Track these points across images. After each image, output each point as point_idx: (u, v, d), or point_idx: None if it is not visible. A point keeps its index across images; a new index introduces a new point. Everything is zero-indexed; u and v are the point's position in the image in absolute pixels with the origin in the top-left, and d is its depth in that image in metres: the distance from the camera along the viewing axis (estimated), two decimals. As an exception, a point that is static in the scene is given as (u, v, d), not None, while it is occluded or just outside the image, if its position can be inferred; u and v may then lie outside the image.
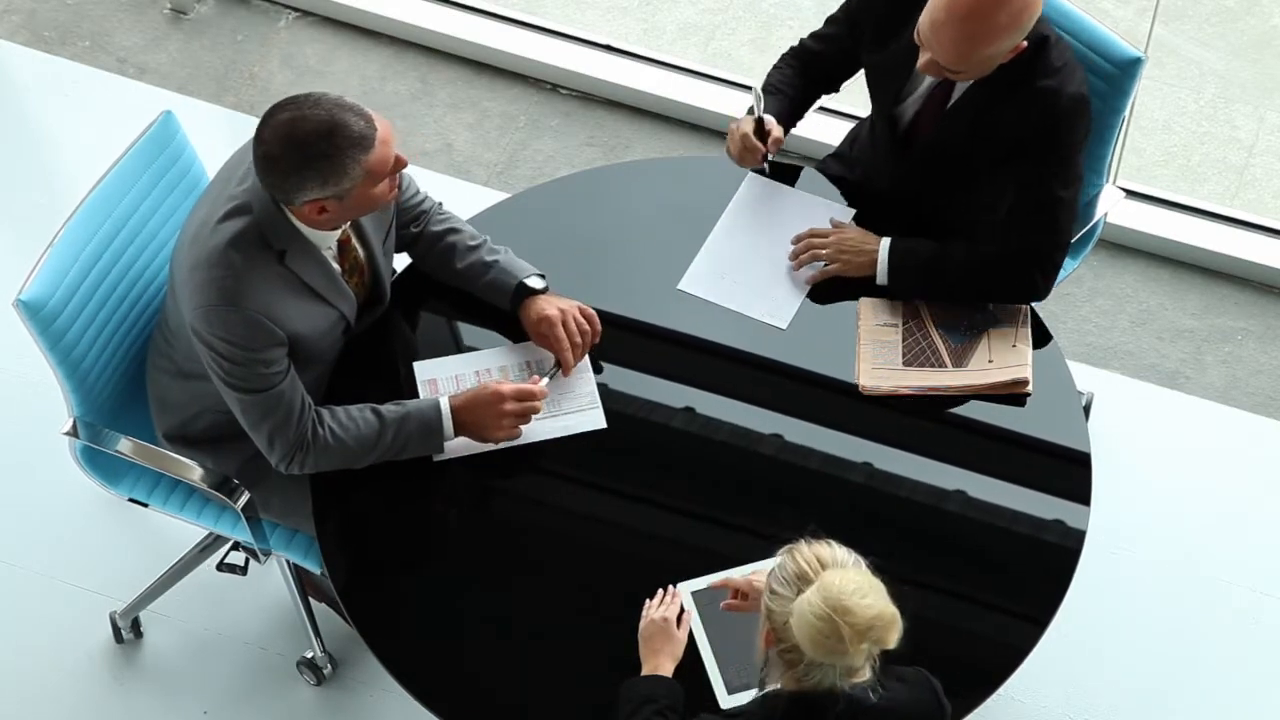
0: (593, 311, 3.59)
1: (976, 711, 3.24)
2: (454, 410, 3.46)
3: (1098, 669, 4.07)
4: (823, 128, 4.62)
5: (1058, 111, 3.51)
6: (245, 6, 5.14)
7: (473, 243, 3.67)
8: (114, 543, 4.25)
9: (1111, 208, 3.94)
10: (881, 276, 3.64)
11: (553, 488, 3.51)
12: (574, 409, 3.56)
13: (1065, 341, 4.48)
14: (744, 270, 3.70)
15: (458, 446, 3.50)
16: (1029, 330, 3.60)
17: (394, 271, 3.69)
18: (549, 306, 3.58)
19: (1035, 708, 4.03)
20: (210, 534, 3.97)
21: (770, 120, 3.71)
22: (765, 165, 3.75)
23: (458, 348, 3.66)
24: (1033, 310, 3.63)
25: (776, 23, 5.07)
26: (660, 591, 3.32)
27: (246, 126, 4.81)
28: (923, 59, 3.48)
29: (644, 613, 3.28)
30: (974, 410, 3.54)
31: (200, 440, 3.69)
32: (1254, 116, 4.88)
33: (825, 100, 3.91)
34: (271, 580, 4.15)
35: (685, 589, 3.32)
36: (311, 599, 4.04)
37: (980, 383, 3.53)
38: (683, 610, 3.29)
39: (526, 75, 4.99)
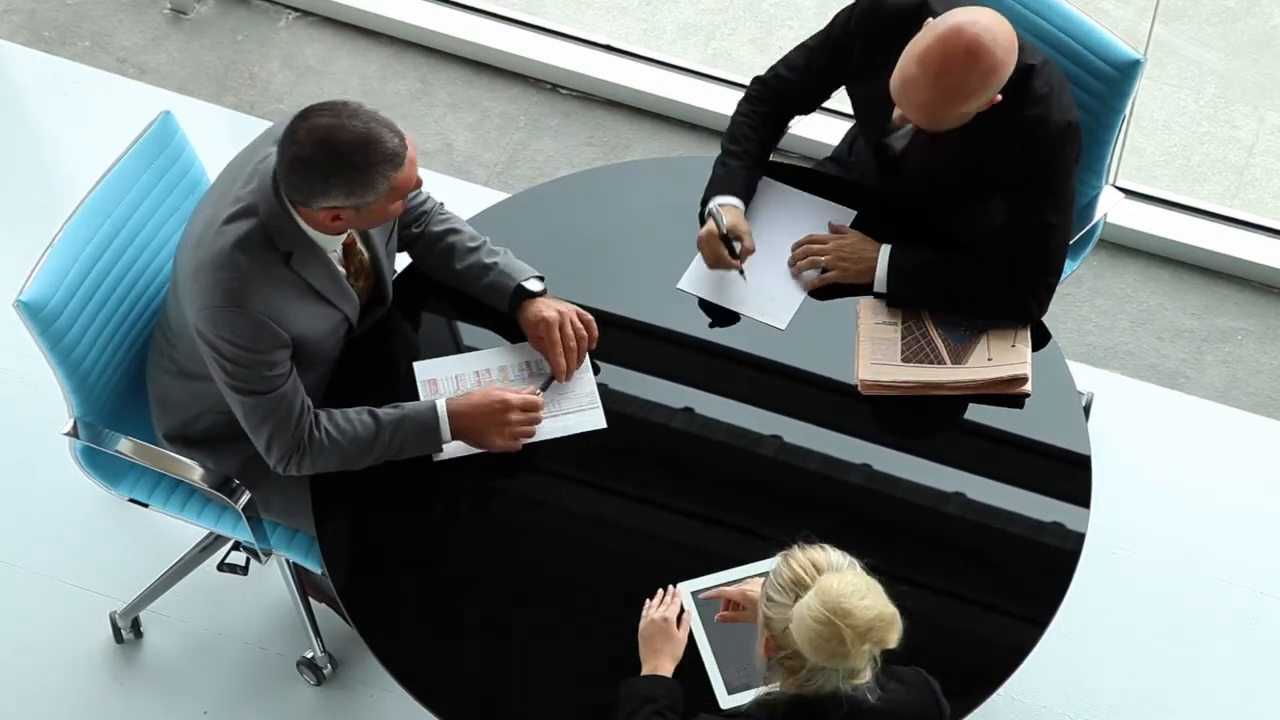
0: (590, 317, 3.59)
1: (976, 711, 3.24)
2: (453, 414, 3.46)
3: (1097, 669, 4.07)
4: (823, 128, 4.62)
5: (1045, 140, 3.50)
6: (245, 6, 5.14)
7: (472, 244, 3.67)
8: (114, 543, 4.25)
9: (1111, 208, 3.93)
10: (880, 284, 3.64)
11: (553, 488, 3.51)
12: (574, 409, 3.56)
13: (1065, 341, 4.48)
14: (744, 270, 3.70)
15: (457, 447, 3.51)
16: (1028, 330, 3.60)
17: (394, 271, 3.69)
18: (547, 309, 3.58)
19: (1035, 708, 4.03)
20: (210, 534, 3.98)
21: (738, 228, 3.64)
22: (741, 268, 3.67)
23: (457, 348, 3.66)
24: (1033, 310, 3.64)
25: (776, 23, 5.07)
26: (660, 591, 3.32)
27: (247, 126, 4.83)
28: (897, 112, 3.48)
29: (644, 613, 3.28)
30: (974, 411, 3.54)
31: (201, 440, 3.69)
32: (1254, 116, 4.88)
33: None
34: (271, 580, 4.15)
35: (685, 589, 3.32)
36: (311, 599, 4.04)
37: (979, 379, 3.53)
38: (683, 610, 3.30)
39: (526, 75, 4.99)
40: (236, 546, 3.91)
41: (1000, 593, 3.38)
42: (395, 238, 3.64)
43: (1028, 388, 3.53)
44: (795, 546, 2.90)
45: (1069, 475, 3.47)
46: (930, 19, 3.45)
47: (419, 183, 3.37)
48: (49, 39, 5.08)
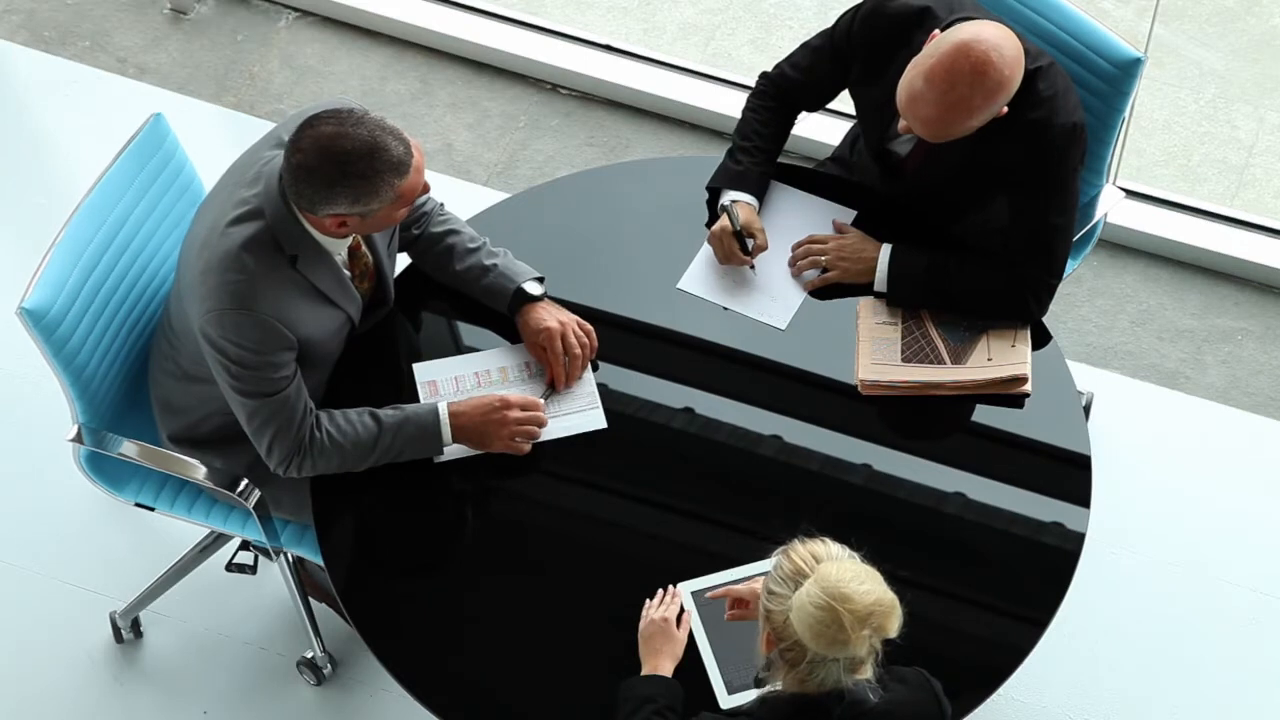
0: (590, 327, 3.59)
1: (977, 712, 3.25)
2: (454, 416, 3.46)
3: (1098, 669, 4.07)
4: (823, 127, 4.62)
5: (1049, 143, 3.50)
6: (245, 6, 5.14)
7: (472, 245, 3.66)
8: (114, 543, 4.25)
9: (1111, 208, 3.94)
10: (880, 284, 3.64)
11: (553, 488, 3.51)
12: (574, 409, 3.56)
13: (1065, 341, 4.48)
14: (744, 270, 3.70)
15: (458, 448, 3.51)
16: (1028, 331, 3.60)
17: (395, 272, 3.69)
18: (549, 318, 3.57)
19: (1035, 708, 4.03)
20: (211, 533, 3.97)
21: (751, 224, 3.67)
22: (753, 264, 3.70)
23: (457, 349, 3.66)
24: (1033, 310, 3.64)
25: (776, 23, 5.07)
26: (660, 591, 3.32)
27: (246, 126, 4.83)
28: (902, 123, 3.48)
29: (644, 613, 3.28)
30: (974, 412, 3.54)
31: (208, 441, 3.68)
32: (1254, 116, 4.88)
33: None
34: (271, 580, 4.16)
35: (685, 589, 3.32)
36: (311, 599, 4.04)
37: (979, 379, 3.53)
38: (683, 610, 3.30)
39: (526, 75, 4.99)
40: (244, 546, 3.91)
41: (1000, 593, 3.38)
42: (396, 239, 3.64)
43: (1028, 388, 3.53)
44: (795, 541, 2.91)
45: (1069, 475, 3.47)
46: (935, 29, 3.45)
47: (426, 188, 3.37)
48: (49, 39, 5.08)
